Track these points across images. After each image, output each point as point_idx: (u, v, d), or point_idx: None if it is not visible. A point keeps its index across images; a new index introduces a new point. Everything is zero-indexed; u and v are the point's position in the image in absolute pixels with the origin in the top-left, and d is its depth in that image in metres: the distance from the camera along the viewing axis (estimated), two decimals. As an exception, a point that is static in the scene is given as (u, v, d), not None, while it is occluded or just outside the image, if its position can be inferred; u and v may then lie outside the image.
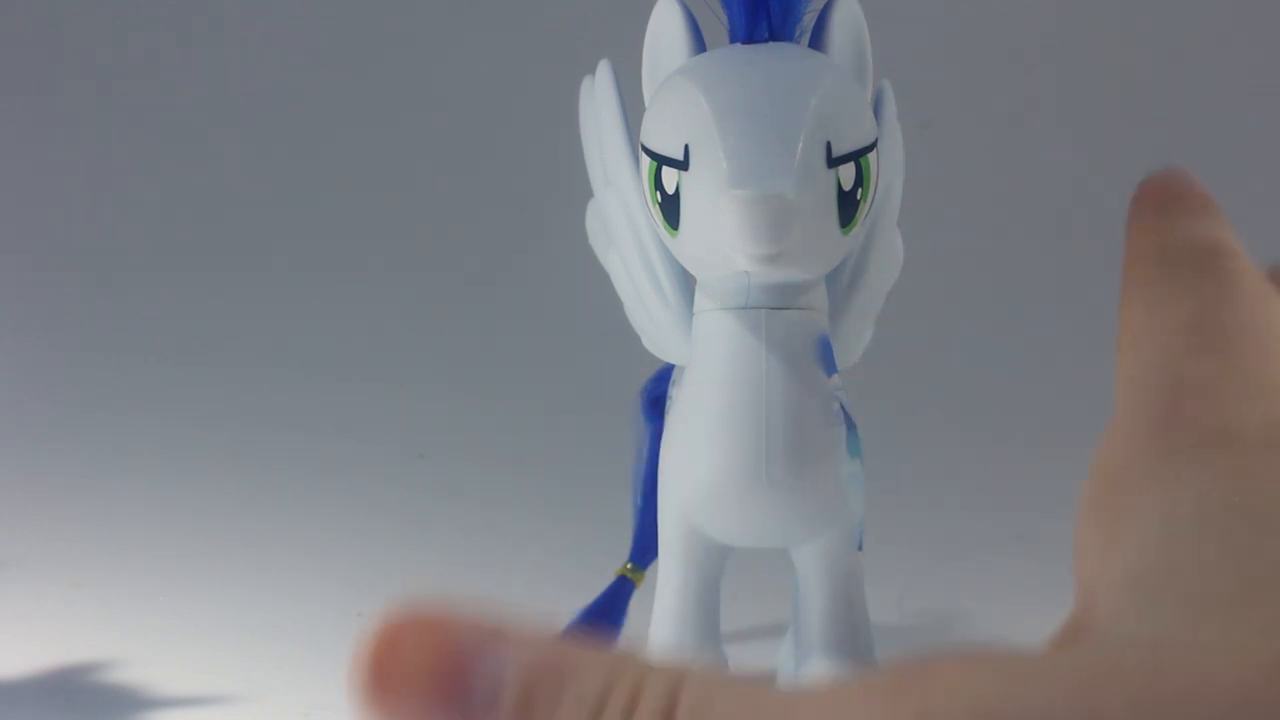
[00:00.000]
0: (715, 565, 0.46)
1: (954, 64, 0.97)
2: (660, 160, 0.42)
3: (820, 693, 0.20)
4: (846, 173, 0.41)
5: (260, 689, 0.53)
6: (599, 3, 0.88)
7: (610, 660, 0.20)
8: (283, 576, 0.62)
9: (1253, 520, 0.21)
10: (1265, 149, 0.94)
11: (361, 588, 0.61)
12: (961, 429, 0.81)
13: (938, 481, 0.74)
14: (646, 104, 0.44)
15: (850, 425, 0.44)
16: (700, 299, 0.44)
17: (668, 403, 0.46)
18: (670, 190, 0.42)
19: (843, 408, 0.44)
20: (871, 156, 0.42)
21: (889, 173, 0.46)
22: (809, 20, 0.44)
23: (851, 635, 0.46)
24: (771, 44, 0.43)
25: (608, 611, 0.54)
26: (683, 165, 0.41)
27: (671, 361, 0.47)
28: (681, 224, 0.42)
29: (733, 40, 0.43)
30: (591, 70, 0.46)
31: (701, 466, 0.44)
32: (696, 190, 0.41)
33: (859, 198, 0.42)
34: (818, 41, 0.44)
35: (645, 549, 0.52)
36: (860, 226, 0.43)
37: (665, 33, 0.43)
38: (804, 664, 0.46)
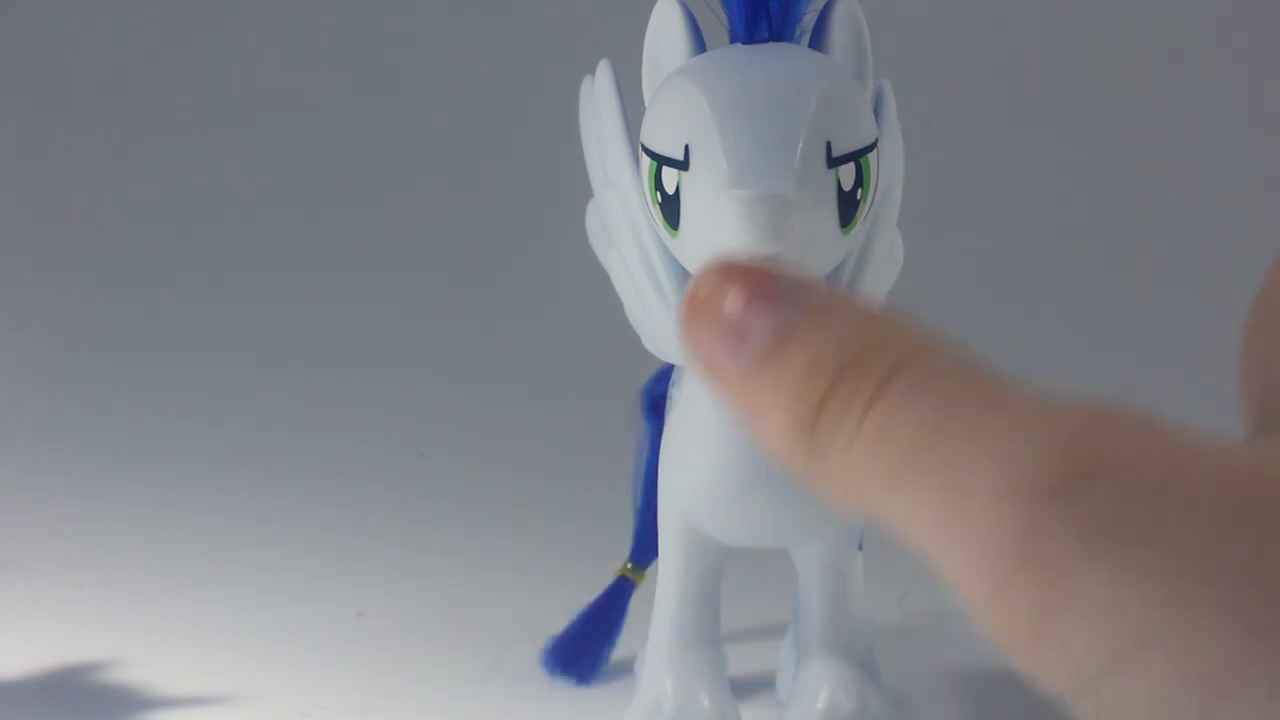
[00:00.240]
0: (715, 565, 0.46)
1: (954, 64, 0.97)
2: (660, 160, 0.42)
3: (1013, 405, 0.22)
4: (846, 173, 0.41)
5: (260, 689, 0.53)
6: (599, 3, 0.88)
7: (867, 319, 0.23)
8: (283, 577, 0.62)
9: None
10: (1265, 149, 0.94)
11: (361, 587, 0.61)
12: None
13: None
14: (646, 104, 0.44)
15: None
16: (700, 299, 0.44)
17: (668, 403, 0.46)
18: (670, 190, 0.42)
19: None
20: (871, 156, 0.42)
21: (889, 173, 0.45)
22: (809, 20, 0.44)
23: (851, 635, 0.46)
24: (771, 44, 0.43)
25: (608, 611, 0.54)
26: (683, 165, 0.41)
27: (671, 361, 0.47)
28: (681, 224, 0.42)
29: (733, 40, 0.43)
30: (591, 70, 0.46)
31: (701, 466, 0.44)
32: (696, 190, 0.41)
33: (859, 198, 0.42)
34: (818, 41, 0.44)
35: (645, 549, 0.52)
36: (860, 226, 0.43)
37: (665, 33, 0.43)
38: (804, 664, 0.46)
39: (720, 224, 0.40)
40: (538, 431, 0.79)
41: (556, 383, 0.83)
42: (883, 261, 0.47)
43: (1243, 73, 0.96)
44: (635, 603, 0.53)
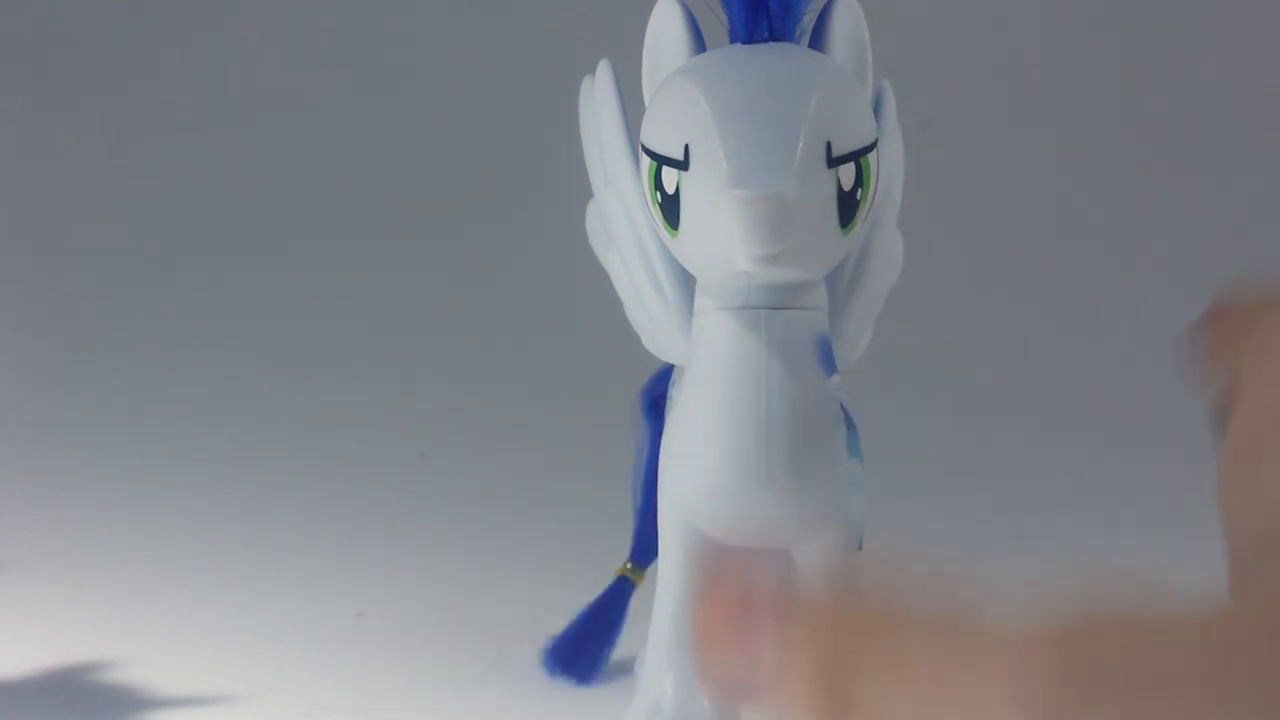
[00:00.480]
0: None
1: (954, 64, 0.97)
2: (660, 160, 0.42)
3: (989, 637, 0.23)
4: (846, 173, 0.41)
5: (260, 689, 0.53)
6: (599, 3, 0.88)
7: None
8: (283, 577, 0.62)
9: None
10: (1265, 149, 0.94)
11: (361, 587, 0.61)
12: (961, 429, 0.81)
13: (938, 481, 0.74)
14: (646, 104, 0.44)
15: (850, 425, 0.44)
16: (700, 299, 0.44)
17: (668, 403, 0.46)
18: (670, 190, 0.41)
19: (843, 408, 0.44)
20: (871, 156, 0.42)
21: (889, 173, 0.45)
22: (809, 20, 0.44)
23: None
24: (771, 44, 0.43)
25: (608, 611, 0.54)
26: (683, 165, 0.41)
27: (671, 361, 0.47)
28: (681, 224, 0.42)
29: (733, 40, 0.43)
30: (591, 70, 0.46)
31: (701, 467, 0.44)
32: (696, 190, 0.41)
33: (859, 198, 0.42)
34: (818, 41, 0.44)
35: (645, 549, 0.52)
36: (860, 226, 0.43)
37: (665, 33, 0.43)
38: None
39: (720, 224, 0.40)
40: (538, 431, 0.79)
41: (556, 383, 0.83)
42: (883, 262, 0.47)
43: (1243, 73, 0.97)
44: (635, 603, 0.53)
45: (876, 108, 0.45)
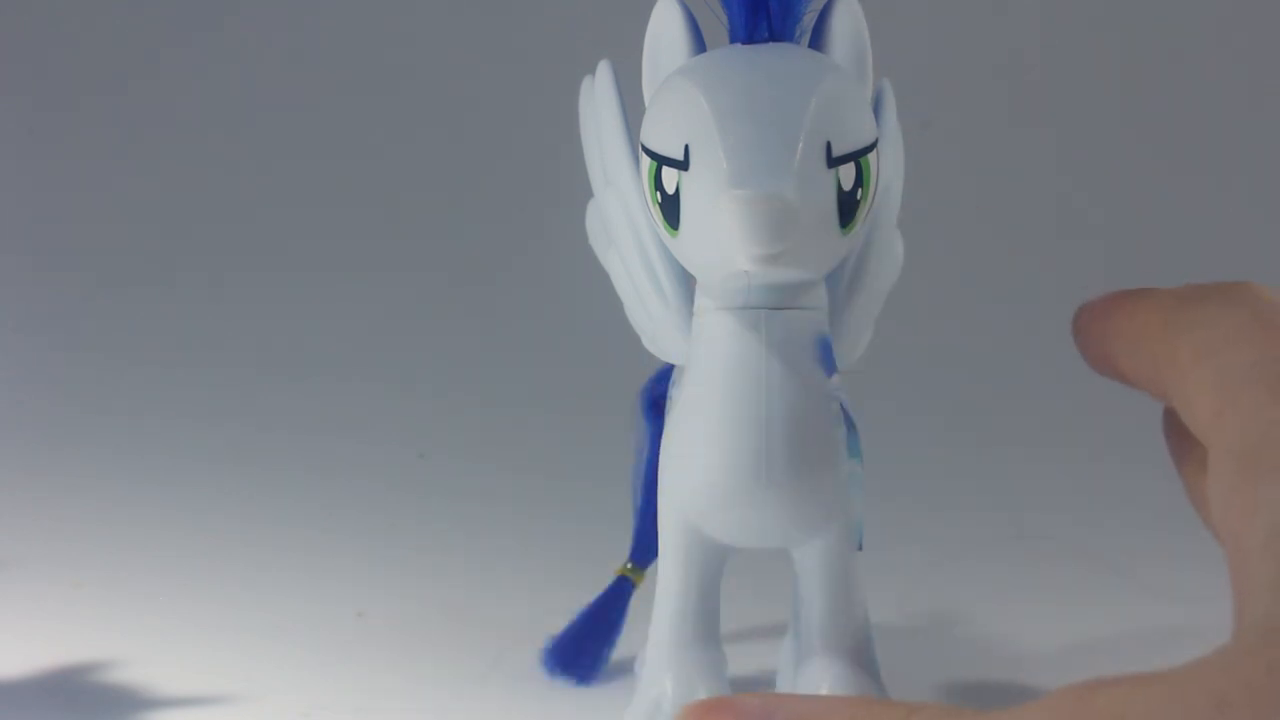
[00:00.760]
0: (715, 565, 0.46)
1: (954, 64, 0.97)
2: (660, 160, 0.42)
3: None
4: (846, 173, 0.41)
5: (260, 689, 0.52)
6: (599, 3, 0.88)
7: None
8: (283, 576, 0.62)
9: None
10: (1265, 148, 0.94)
11: (361, 587, 0.61)
12: (961, 429, 0.81)
13: (938, 481, 0.74)
14: (646, 104, 0.44)
15: (850, 426, 0.44)
16: (700, 299, 0.44)
17: (668, 403, 0.46)
18: (670, 190, 0.41)
19: (843, 408, 0.44)
20: (871, 156, 0.42)
21: (889, 173, 0.45)
22: (809, 20, 0.43)
23: (851, 635, 0.46)
24: (771, 44, 0.43)
25: (608, 611, 0.54)
26: (683, 165, 0.41)
27: (671, 361, 0.47)
28: (681, 224, 0.42)
29: (733, 40, 0.43)
30: (591, 70, 0.46)
31: (701, 467, 0.43)
32: (696, 190, 0.41)
33: (859, 198, 0.42)
34: (818, 41, 0.44)
35: (645, 549, 0.52)
36: (860, 227, 0.43)
37: (665, 33, 0.43)
38: (804, 664, 0.46)
39: (720, 224, 0.40)
40: (538, 431, 0.79)
41: (556, 383, 0.83)
42: (883, 262, 0.47)
43: (1243, 73, 0.97)
44: (635, 603, 0.53)
45: (876, 107, 0.44)
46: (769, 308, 0.43)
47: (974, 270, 0.91)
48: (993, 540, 0.67)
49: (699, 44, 0.43)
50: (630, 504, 0.52)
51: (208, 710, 0.51)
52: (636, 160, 0.44)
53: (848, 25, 0.44)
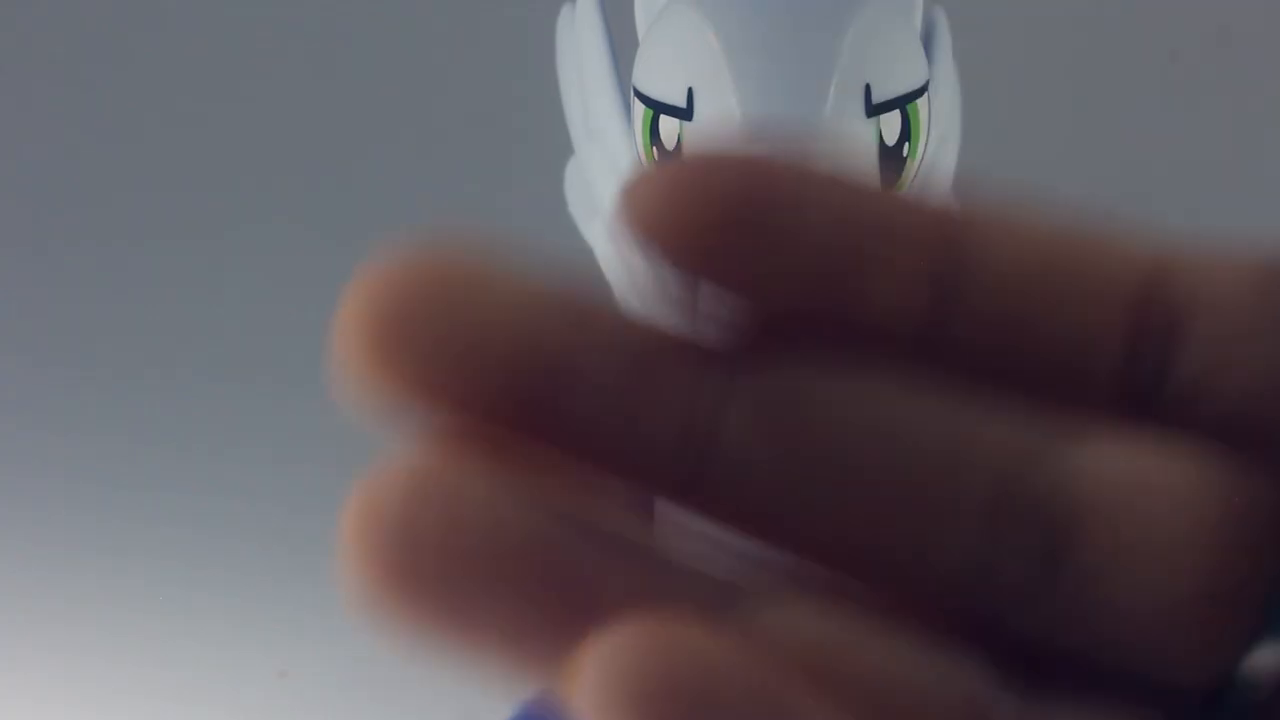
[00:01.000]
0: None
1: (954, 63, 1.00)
2: (657, 108, 0.37)
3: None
4: (890, 123, 0.37)
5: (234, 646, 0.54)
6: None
7: None
8: (198, 631, 0.60)
9: None
10: (1264, 148, 0.95)
11: (283, 645, 0.59)
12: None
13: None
14: (640, 38, 0.39)
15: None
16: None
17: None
18: (669, 145, 0.37)
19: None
20: (921, 103, 0.38)
21: (941, 124, 0.40)
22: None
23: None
24: (796, -37, 0.38)
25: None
26: (685, 114, 0.37)
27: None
28: (685, 186, 0.35)
29: (746, -43, 0.38)
30: (571, -5, 0.42)
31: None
32: (703, 144, 0.34)
33: (905, 154, 0.38)
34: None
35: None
36: (907, 190, 0.36)
37: (663, -53, 0.38)
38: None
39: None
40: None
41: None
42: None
43: (1243, 72, 0.98)
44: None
45: (927, 42, 0.39)
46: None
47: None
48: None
49: (706, -39, 0.38)
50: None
51: (178, 672, 0.52)
52: (627, 108, 0.39)
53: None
